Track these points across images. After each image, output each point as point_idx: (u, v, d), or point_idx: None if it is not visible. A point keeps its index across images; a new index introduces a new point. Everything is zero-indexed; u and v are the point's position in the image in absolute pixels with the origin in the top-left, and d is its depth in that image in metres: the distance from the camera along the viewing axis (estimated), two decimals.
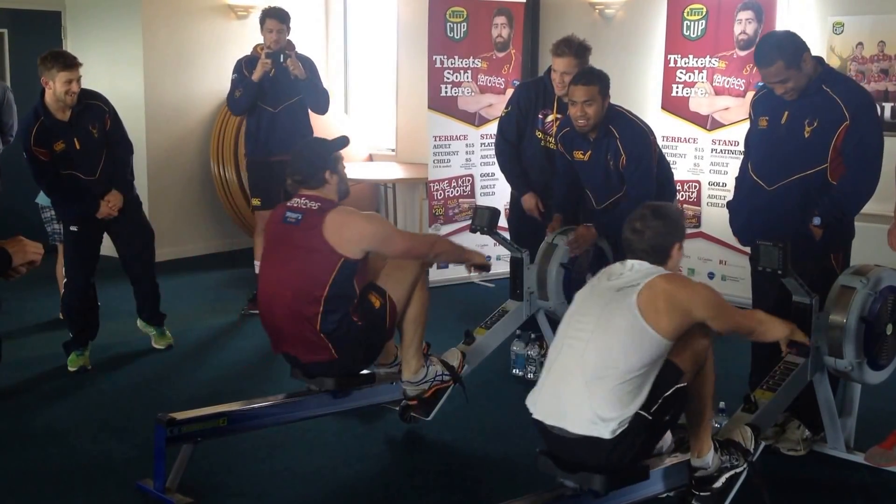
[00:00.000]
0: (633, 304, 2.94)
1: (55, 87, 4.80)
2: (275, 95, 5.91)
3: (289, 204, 3.80)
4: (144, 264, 5.36)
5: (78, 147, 4.93)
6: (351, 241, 3.64)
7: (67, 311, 5.23)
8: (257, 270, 6.29)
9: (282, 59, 5.81)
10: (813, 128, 3.81)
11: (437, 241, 4.16)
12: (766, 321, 3.36)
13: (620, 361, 2.90)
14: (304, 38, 6.06)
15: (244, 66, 5.92)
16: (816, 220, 3.80)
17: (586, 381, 2.93)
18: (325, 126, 6.47)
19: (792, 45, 3.81)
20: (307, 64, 5.99)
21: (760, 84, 4.20)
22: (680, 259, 3.17)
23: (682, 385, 3.01)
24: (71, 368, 5.05)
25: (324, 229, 3.62)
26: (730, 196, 4.38)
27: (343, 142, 3.92)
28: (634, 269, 3.08)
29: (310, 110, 6.08)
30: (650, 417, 2.93)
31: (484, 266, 4.13)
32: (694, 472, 3.25)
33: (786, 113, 3.89)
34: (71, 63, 4.81)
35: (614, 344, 2.92)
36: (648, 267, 3.07)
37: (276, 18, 5.84)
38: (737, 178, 4.21)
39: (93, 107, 5.02)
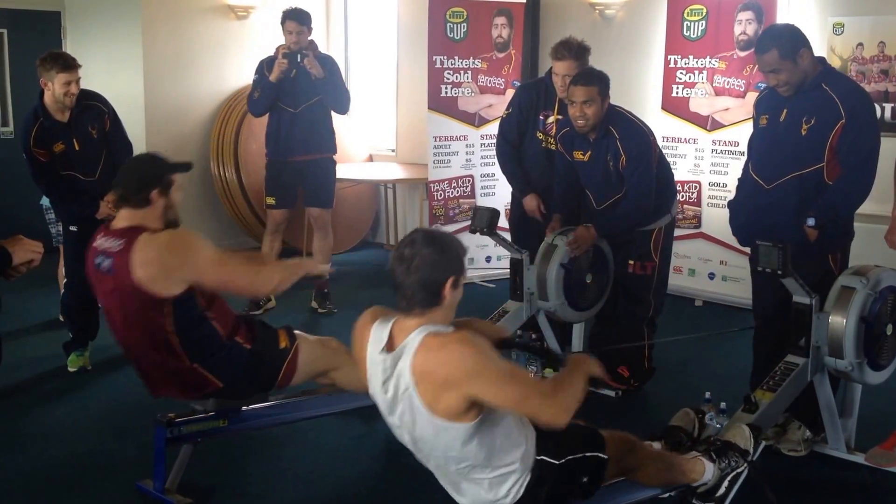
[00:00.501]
0: (424, 411, 2.51)
1: (54, 89, 4.79)
2: (295, 96, 5.93)
3: (96, 244, 3.41)
4: None
5: (77, 148, 4.93)
6: (163, 280, 3.24)
7: (67, 312, 5.23)
8: None
9: (299, 59, 5.82)
10: (810, 125, 3.81)
11: (268, 272, 3.54)
12: (559, 378, 2.70)
13: (460, 462, 2.61)
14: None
15: (265, 67, 5.94)
16: (811, 221, 3.80)
17: (450, 481, 2.75)
18: None
19: (790, 37, 3.82)
20: (328, 63, 6.01)
21: (763, 84, 4.21)
22: (455, 300, 2.60)
23: (602, 457, 2.83)
24: (71, 369, 5.05)
25: (133, 274, 3.22)
26: (730, 196, 4.37)
27: (186, 167, 3.57)
28: (392, 361, 2.55)
29: (332, 111, 6.11)
30: (557, 462, 2.71)
31: (318, 274, 3.74)
32: (696, 490, 3.24)
33: (785, 111, 3.89)
34: (70, 64, 4.80)
35: (441, 451, 2.62)
36: (401, 349, 2.53)
37: (295, 20, 5.86)
38: (739, 179, 4.21)
39: (92, 107, 5.02)
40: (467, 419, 2.51)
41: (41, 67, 4.81)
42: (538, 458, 2.70)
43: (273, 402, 3.87)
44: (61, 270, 5.78)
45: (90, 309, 5.23)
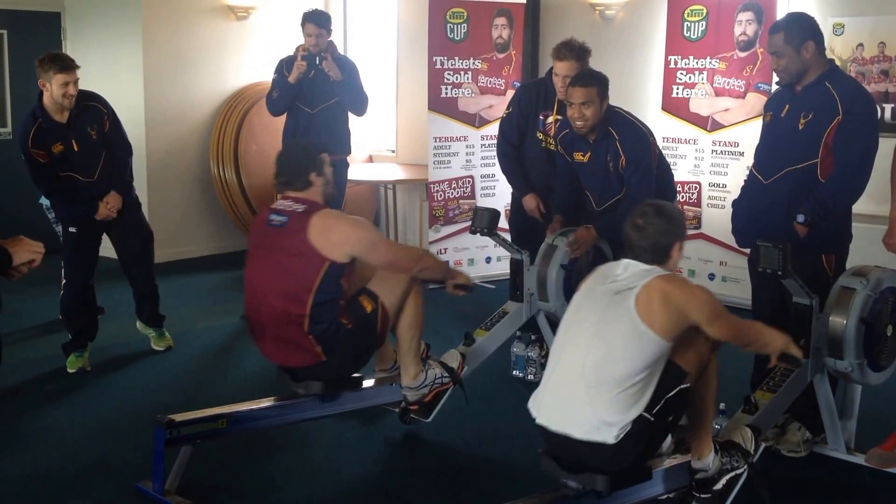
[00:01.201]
0: (632, 307, 2.91)
1: (52, 90, 4.79)
2: (313, 96, 5.96)
3: (273, 206, 3.77)
4: (144, 265, 5.36)
5: (76, 149, 4.92)
6: (336, 244, 3.59)
7: (66, 312, 5.22)
8: None
9: (317, 61, 5.86)
10: (807, 120, 3.81)
11: (424, 256, 3.99)
12: (766, 332, 3.26)
13: (622, 367, 2.88)
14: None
15: (284, 67, 5.97)
16: (800, 218, 3.80)
17: (588, 387, 2.91)
18: None
19: (799, 25, 3.86)
20: (346, 66, 6.04)
21: (761, 84, 4.20)
22: (679, 259, 3.12)
23: (685, 386, 3.00)
24: (70, 370, 5.04)
25: (309, 232, 3.58)
26: (731, 197, 4.37)
27: (324, 147, 3.93)
28: (630, 271, 3.04)
29: (349, 112, 6.14)
30: (652, 419, 2.91)
31: (466, 286, 4.04)
32: (694, 475, 3.25)
33: (787, 106, 3.90)
34: (68, 65, 4.79)
35: (615, 349, 2.90)
36: (645, 267, 3.02)
37: (314, 23, 5.90)
38: (745, 180, 4.20)
39: (91, 108, 5.01)
40: (668, 338, 2.90)
41: (39, 68, 4.80)
42: (641, 413, 2.89)
43: (273, 403, 3.88)
44: None
45: (89, 310, 5.23)
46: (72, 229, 5.06)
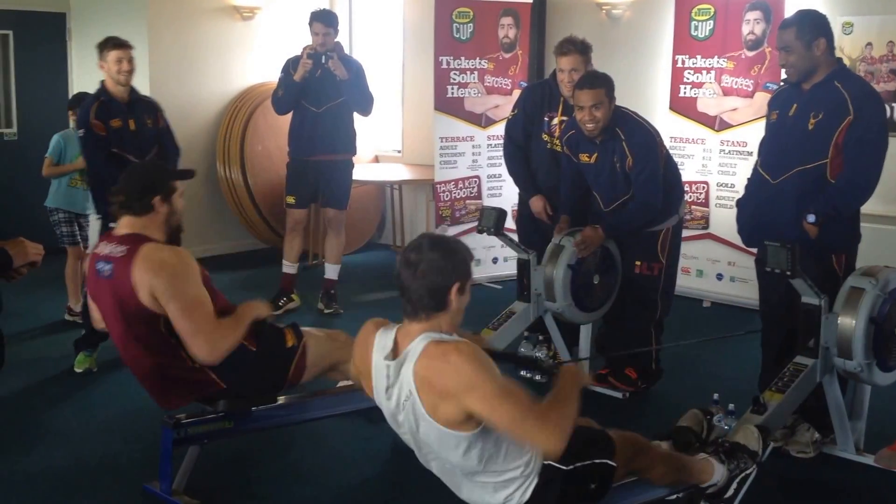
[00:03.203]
0: (426, 417, 2.51)
1: (108, 67, 5.11)
2: (319, 96, 5.99)
3: (98, 251, 3.45)
4: None
5: (132, 129, 5.14)
6: (151, 299, 3.26)
7: (87, 309, 5.19)
8: (284, 269, 6.29)
9: (324, 61, 5.88)
10: (817, 120, 3.80)
11: (226, 338, 3.37)
12: (552, 404, 2.58)
13: (464, 465, 2.61)
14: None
15: (290, 66, 6.00)
16: (811, 218, 3.79)
17: (456, 484, 2.75)
18: None
19: (811, 22, 3.85)
20: (353, 66, 6.06)
21: (770, 84, 4.19)
22: (463, 305, 2.58)
23: (611, 463, 2.79)
24: (77, 370, 5.03)
25: (133, 284, 3.25)
26: (739, 196, 4.36)
27: (187, 174, 3.65)
28: (395, 368, 2.56)
29: (355, 112, 6.16)
30: (564, 468, 2.66)
31: (266, 316, 3.62)
32: (705, 491, 3.23)
33: (794, 106, 3.89)
34: (121, 43, 5.16)
35: (446, 456, 2.62)
36: (404, 355, 2.54)
37: (322, 22, 5.97)
38: (748, 178, 4.19)
39: (147, 101, 5.37)
40: (467, 429, 2.50)
41: (98, 53, 5.14)
42: (545, 462, 2.66)
43: (279, 403, 3.87)
44: (69, 272, 5.79)
45: None
46: (112, 225, 5.04)
